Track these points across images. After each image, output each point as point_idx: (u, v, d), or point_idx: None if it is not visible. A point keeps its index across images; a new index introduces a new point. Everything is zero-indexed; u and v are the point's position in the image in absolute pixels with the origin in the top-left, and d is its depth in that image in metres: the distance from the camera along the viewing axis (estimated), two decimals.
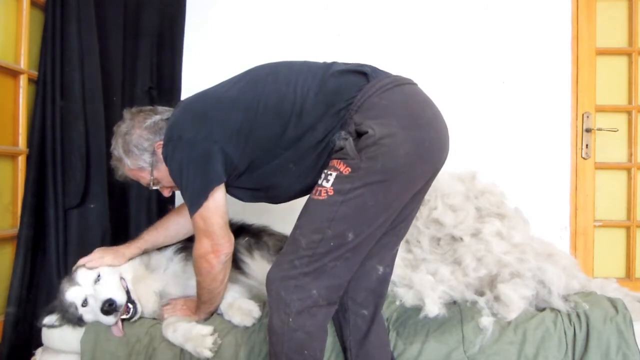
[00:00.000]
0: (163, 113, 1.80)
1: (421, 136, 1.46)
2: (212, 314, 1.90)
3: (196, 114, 1.63)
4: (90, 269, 1.85)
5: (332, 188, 1.43)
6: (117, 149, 1.80)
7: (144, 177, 1.79)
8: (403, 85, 1.54)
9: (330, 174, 1.44)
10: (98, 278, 1.84)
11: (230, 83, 1.68)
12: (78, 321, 1.88)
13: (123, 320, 1.84)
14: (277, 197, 1.72)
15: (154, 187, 1.82)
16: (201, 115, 1.61)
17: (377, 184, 1.41)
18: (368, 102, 1.48)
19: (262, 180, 1.64)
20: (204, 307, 1.84)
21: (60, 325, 1.90)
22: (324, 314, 1.48)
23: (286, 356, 1.47)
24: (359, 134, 1.45)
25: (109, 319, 1.79)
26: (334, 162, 1.46)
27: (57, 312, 1.89)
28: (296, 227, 1.49)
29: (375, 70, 1.59)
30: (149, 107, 1.85)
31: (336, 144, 1.49)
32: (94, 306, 1.80)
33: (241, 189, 1.69)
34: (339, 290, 1.50)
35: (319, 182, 1.47)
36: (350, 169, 1.42)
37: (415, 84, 1.60)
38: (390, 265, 1.69)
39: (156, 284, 1.93)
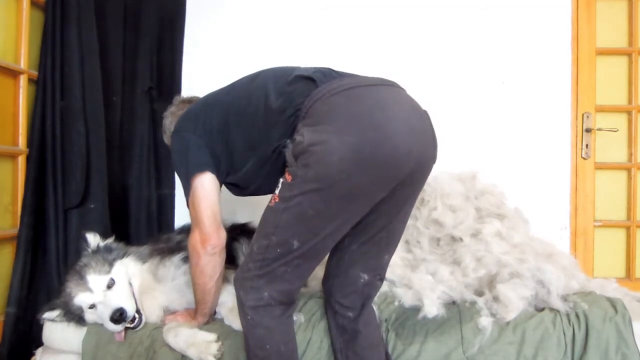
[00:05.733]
0: None
1: (362, 142, 1.34)
2: (210, 316, 1.90)
3: (189, 113, 1.79)
4: (104, 274, 1.87)
5: (278, 195, 1.45)
6: (162, 125, 2.12)
7: None
8: (356, 88, 1.44)
9: (279, 181, 1.46)
10: (112, 283, 1.86)
11: (221, 88, 1.80)
12: (79, 320, 1.88)
13: (126, 328, 1.84)
14: (264, 193, 1.74)
15: None
16: (192, 114, 1.77)
17: (313, 192, 1.38)
18: (312, 108, 1.45)
19: (245, 180, 1.70)
20: (199, 307, 1.85)
21: (60, 322, 1.90)
22: (281, 310, 1.53)
23: (252, 352, 1.54)
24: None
25: (116, 327, 1.80)
26: (286, 170, 1.46)
27: (60, 309, 1.90)
28: (255, 233, 1.53)
29: (329, 74, 1.54)
30: (191, 99, 2.10)
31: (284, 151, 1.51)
32: (103, 312, 1.80)
33: (231, 185, 1.77)
34: (291, 293, 1.53)
35: (274, 189, 1.49)
36: (291, 177, 1.42)
37: (378, 86, 1.48)
38: (378, 274, 1.67)
39: (162, 298, 1.94)
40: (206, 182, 1.67)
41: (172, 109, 2.10)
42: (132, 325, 1.84)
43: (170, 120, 2.06)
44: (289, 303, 1.54)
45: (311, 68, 1.61)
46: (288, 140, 1.49)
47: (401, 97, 1.49)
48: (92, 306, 1.85)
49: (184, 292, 1.96)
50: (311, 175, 1.36)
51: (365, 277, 1.63)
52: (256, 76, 1.70)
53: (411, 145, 1.38)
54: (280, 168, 1.53)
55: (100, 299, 1.83)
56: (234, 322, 1.83)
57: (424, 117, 1.50)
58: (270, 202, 1.48)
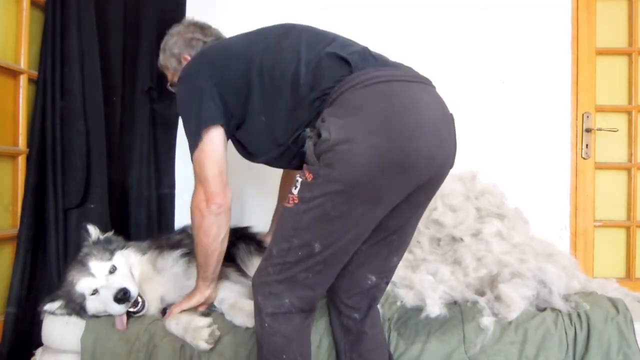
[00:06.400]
0: (208, 37, 1.95)
1: (388, 145, 1.29)
2: (213, 282, 1.80)
3: (204, 57, 1.65)
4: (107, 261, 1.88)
5: (297, 196, 1.37)
6: (163, 42, 2.00)
7: (168, 76, 1.95)
8: (391, 82, 1.37)
9: (298, 180, 1.38)
10: (113, 269, 1.86)
11: (246, 34, 1.67)
12: (80, 310, 1.87)
13: (129, 314, 1.84)
14: (274, 166, 1.70)
15: (171, 88, 1.93)
16: (208, 59, 1.62)
17: (336, 194, 1.31)
18: (342, 97, 1.36)
19: (255, 149, 1.62)
20: (201, 271, 1.74)
21: (60, 314, 1.89)
22: (301, 318, 1.45)
23: None
24: (319, 135, 1.36)
25: (120, 308, 1.78)
26: (304, 167, 1.39)
27: (61, 299, 1.88)
28: (272, 235, 1.47)
29: (366, 59, 1.45)
30: (204, 25, 2.02)
31: (305, 141, 1.43)
32: (106, 295, 1.79)
33: (239, 145, 1.68)
34: (313, 300, 1.47)
35: (291, 188, 1.41)
36: (312, 176, 1.34)
37: (413, 83, 1.42)
38: (385, 277, 1.62)
39: (161, 289, 1.94)
40: (215, 138, 1.55)
41: (179, 28, 1.96)
42: (135, 310, 1.83)
43: (175, 40, 1.93)
44: (309, 311, 1.47)
45: (349, 45, 1.51)
46: (308, 130, 1.43)
47: (433, 99, 1.45)
48: (95, 292, 1.83)
49: (181, 281, 1.95)
50: (335, 176, 1.30)
51: (373, 278, 1.58)
52: (288, 32, 1.57)
53: (436, 151, 1.36)
54: (296, 151, 1.47)
55: (102, 283, 1.82)
56: (235, 318, 1.82)
57: (450, 121, 1.47)
58: (287, 202, 1.39)
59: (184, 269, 1.96)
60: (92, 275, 1.84)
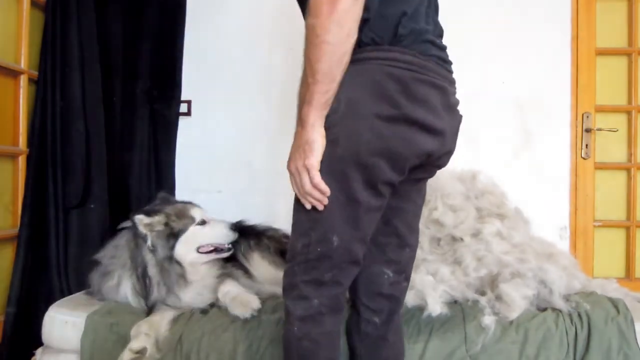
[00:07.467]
0: None
1: (393, 133, 1.27)
2: (326, 110, 1.27)
3: None
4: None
5: None
6: None
7: None
8: (415, 73, 1.31)
9: None
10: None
11: None
12: (170, 235, 1.92)
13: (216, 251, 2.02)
14: None
15: None
16: None
17: (342, 173, 1.27)
18: (368, 64, 1.29)
19: None
20: (315, 90, 1.23)
21: (142, 231, 1.89)
22: (330, 321, 1.40)
23: None
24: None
25: (232, 235, 2.02)
26: None
27: (162, 215, 1.93)
28: (290, 236, 1.42)
29: (413, 42, 1.33)
30: None
31: None
32: (221, 224, 2.02)
33: None
34: (341, 296, 1.41)
35: None
36: None
37: (436, 80, 1.36)
38: (403, 273, 1.55)
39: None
40: None
41: None
42: (227, 247, 2.03)
43: None
44: (338, 310, 1.41)
45: (423, 16, 1.37)
46: None
47: (448, 102, 1.43)
48: (202, 223, 1.99)
49: (195, 287, 1.98)
50: (339, 153, 1.26)
51: (390, 273, 1.51)
52: None
53: (436, 150, 1.38)
54: None
55: (211, 218, 2.02)
56: (235, 308, 1.85)
57: (456, 125, 1.49)
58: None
59: (211, 282, 2.01)
60: (203, 210, 2.04)
